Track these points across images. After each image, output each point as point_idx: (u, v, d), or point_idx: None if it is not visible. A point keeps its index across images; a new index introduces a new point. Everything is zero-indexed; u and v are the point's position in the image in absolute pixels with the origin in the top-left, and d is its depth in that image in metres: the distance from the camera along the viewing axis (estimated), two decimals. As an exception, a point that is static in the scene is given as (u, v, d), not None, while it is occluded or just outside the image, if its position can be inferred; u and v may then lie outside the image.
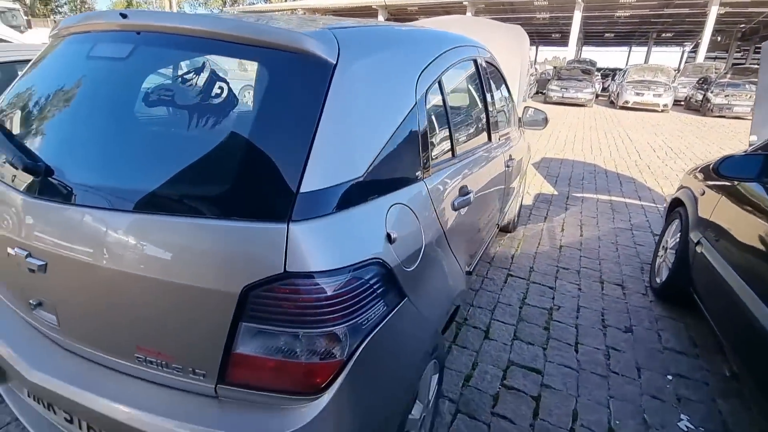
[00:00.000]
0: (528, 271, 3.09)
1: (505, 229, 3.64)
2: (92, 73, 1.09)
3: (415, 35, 1.37)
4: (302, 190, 0.82)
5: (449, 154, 1.45)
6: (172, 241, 0.83)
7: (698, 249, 2.24)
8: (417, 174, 1.16)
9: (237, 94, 0.97)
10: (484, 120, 1.97)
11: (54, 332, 1.02)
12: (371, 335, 0.89)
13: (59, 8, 34.81)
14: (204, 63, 0.99)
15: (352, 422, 0.86)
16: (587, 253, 3.44)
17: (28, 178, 0.95)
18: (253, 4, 36.81)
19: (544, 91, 16.89)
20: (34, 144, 1.03)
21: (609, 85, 20.10)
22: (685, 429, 1.81)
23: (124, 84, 1.04)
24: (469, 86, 1.91)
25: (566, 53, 22.90)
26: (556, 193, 4.99)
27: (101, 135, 1.00)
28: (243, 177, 0.83)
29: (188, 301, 0.83)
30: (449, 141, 1.45)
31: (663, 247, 2.89)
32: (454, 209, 1.35)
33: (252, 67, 0.94)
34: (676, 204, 2.82)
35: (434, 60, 1.35)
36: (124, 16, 1.00)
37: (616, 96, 16.28)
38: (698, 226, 2.33)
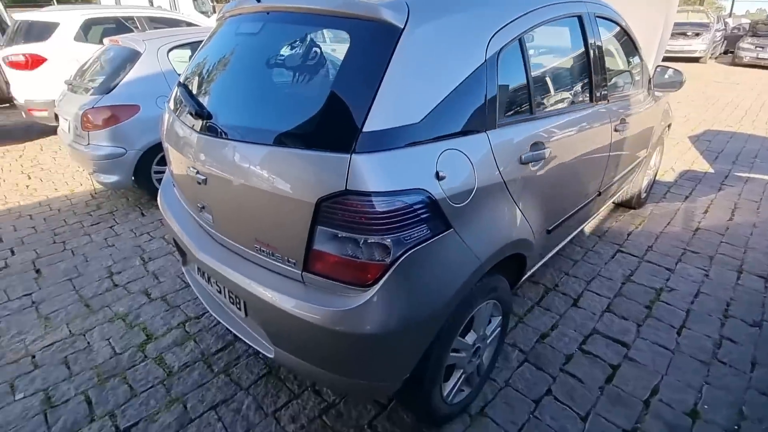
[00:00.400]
0: (644, 249, 2.83)
1: (626, 204, 3.33)
2: (238, 45, 1.50)
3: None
4: (364, 129, 1.06)
5: (526, 112, 1.51)
6: (276, 164, 1.17)
7: None
8: (479, 126, 1.29)
9: (326, 57, 1.24)
10: (585, 80, 1.89)
11: (210, 227, 1.51)
12: (413, 249, 1.10)
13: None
14: (306, 33, 1.29)
15: (390, 312, 1.11)
16: (731, 239, 2.95)
17: (198, 121, 1.41)
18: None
19: (733, 50, 13.60)
20: (202, 97, 1.49)
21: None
22: (796, 432, 1.59)
23: (256, 53, 1.42)
24: (566, 45, 1.85)
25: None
26: (711, 171, 4.24)
27: (239, 91, 1.40)
28: (324, 118, 1.11)
29: (285, 208, 1.17)
30: (527, 99, 1.50)
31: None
32: (522, 163, 1.43)
33: (342, 34, 1.20)
34: None
35: (514, 20, 1.41)
36: (258, 0, 1.37)
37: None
38: None
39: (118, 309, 2.33)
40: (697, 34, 13.99)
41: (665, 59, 13.94)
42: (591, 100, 1.93)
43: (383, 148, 1.08)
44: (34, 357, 2.00)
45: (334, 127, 1.10)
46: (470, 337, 1.51)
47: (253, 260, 1.36)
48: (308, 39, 1.30)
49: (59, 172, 4.56)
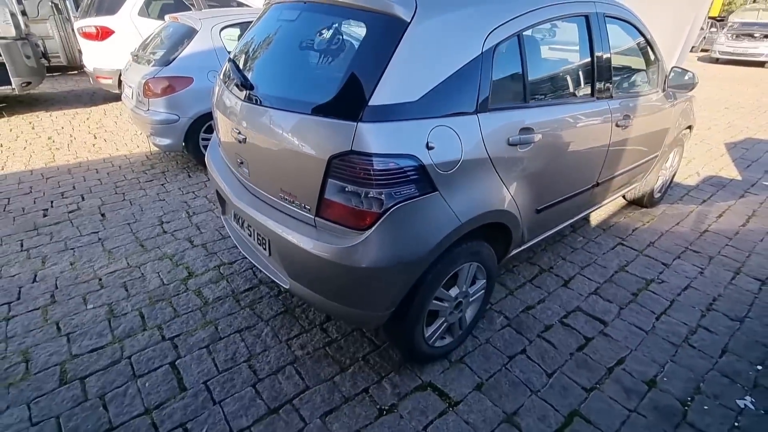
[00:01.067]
0: (646, 245, 2.96)
1: (638, 202, 3.43)
2: (278, 29, 1.80)
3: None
4: (370, 104, 1.33)
5: (519, 100, 1.72)
6: (299, 127, 1.47)
7: None
8: (470, 108, 1.53)
9: (346, 43, 1.51)
10: (587, 76, 2.06)
11: (246, 179, 1.84)
12: (401, 203, 1.37)
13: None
14: (333, 22, 1.57)
15: (380, 250, 1.38)
16: (738, 243, 3.01)
17: (243, 91, 1.73)
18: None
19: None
20: (247, 72, 1.81)
21: None
22: (742, 406, 1.76)
23: (292, 36, 1.71)
24: (570, 42, 2.02)
25: None
26: (739, 178, 4.20)
27: (276, 67, 1.71)
28: (339, 93, 1.39)
29: (305, 163, 1.47)
30: (522, 89, 1.72)
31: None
32: (510, 144, 1.65)
33: (360, 24, 1.47)
34: None
35: (514, 18, 1.62)
36: (298, -7, 1.67)
37: None
38: None
39: (167, 250, 2.75)
40: (766, 36, 13.12)
41: (726, 62, 13.18)
42: (592, 95, 2.10)
43: (384, 119, 1.35)
44: (100, 279, 2.44)
45: (346, 101, 1.38)
46: (453, 291, 1.78)
47: (278, 207, 1.68)
48: (333, 27, 1.57)
49: (120, 134, 5.12)
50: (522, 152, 1.73)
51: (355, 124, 1.33)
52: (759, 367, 1.96)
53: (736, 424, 1.70)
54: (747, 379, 1.89)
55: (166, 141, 3.87)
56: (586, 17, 2.01)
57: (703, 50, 16.60)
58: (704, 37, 16.90)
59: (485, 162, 1.59)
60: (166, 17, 4.56)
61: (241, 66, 1.88)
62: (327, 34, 1.58)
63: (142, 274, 2.51)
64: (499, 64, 1.61)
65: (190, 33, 3.98)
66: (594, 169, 2.28)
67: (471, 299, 1.90)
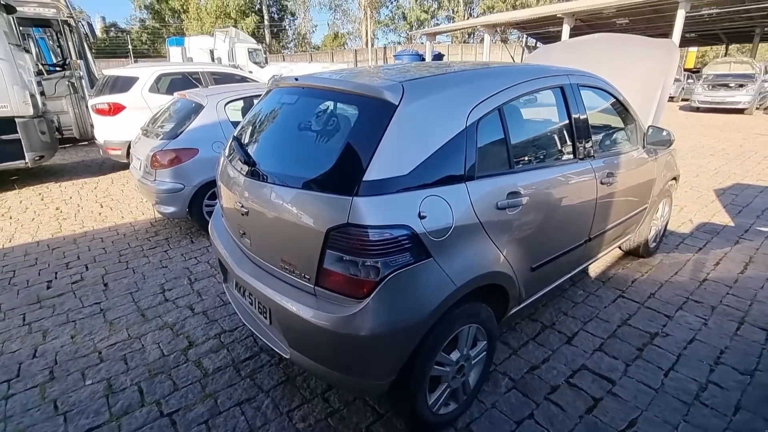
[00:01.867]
0: (646, 296, 2.96)
1: (634, 253, 3.47)
2: (279, 110, 1.96)
3: (479, 76, 1.83)
4: (364, 179, 1.43)
5: (504, 166, 1.84)
6: (299, 202, 1.56)
7: None
8: (459, 178, 1.63)
9: (341, 124, 1.65)
10: (567, 140, 2.20)
11: (249, 250, 1.90)
12: (397, 271, 1.42)
13: (288, 44, 44.38)
14: (328, 106, 1.72)
15: (378, 318, 1.41)
16: (738, 291, 3.01)
17: (245, 167, 1.85)
18: (438, 24, 39.63)
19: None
20: (250, 148, 1.94)
21: None
22: (765, 471, 1.68)
23: (292, 117, 1.86)
24: (548, 110, 2.18)
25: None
26: (731, 224, 4.27)
27: (276, 145, 1.85)
28: (335, 169, 1.50)
29: (303, 234, 1.54)
30: (506, 156, 1.84)
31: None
32: (499, 208, 1.74)
33: (353, 108, 1.61)
34: None
35: (494, 95, 1.77)
36: (296, 79, 1.84)
37: None
38: None
39: (168, 319, 2.75)
40: (741, 85, 13.85)
41: (707, 110, 13.82)
42: (574, 156, 2.23)
43: (377, 193, 1.44)
44: (100, 353, 2.43)
45: (342, 176, 1.48)
46: (454, 355, 1.77)
47: (279, 276, 1.72)
48: (329, 110, 1.72)
49: (126, 203, 5.28)
50: (512, 215, 1.81)
51: (351, 198, 1.42)
52: (776, 425, 1.90)
53: (760, 490, 1.62)
54: (765, 439, 1.83)
55: (171, 209, 4.00)
56: (561, 88, 2.19)
57: (683, 99, 17.46)
58: (683, 88, 17.87)
59: (476, 226, 1.66)
60: (175, 94, 4.89)
61: (244, 143, 2.02)
62: (324, 116, 1.73)
63: (143, 345, 2.49)
64: (483, 135, 1.73)
65: (197, 108, 4.25)
66: (584, 224, 2.36)
67: (473, 362, 1.89)
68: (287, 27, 44.68)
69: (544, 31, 22.19)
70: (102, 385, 2.18)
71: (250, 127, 2.11)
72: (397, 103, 1.52)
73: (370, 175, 1.44)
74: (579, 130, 2.24)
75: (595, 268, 3.36)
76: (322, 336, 1.51)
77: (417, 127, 1.55)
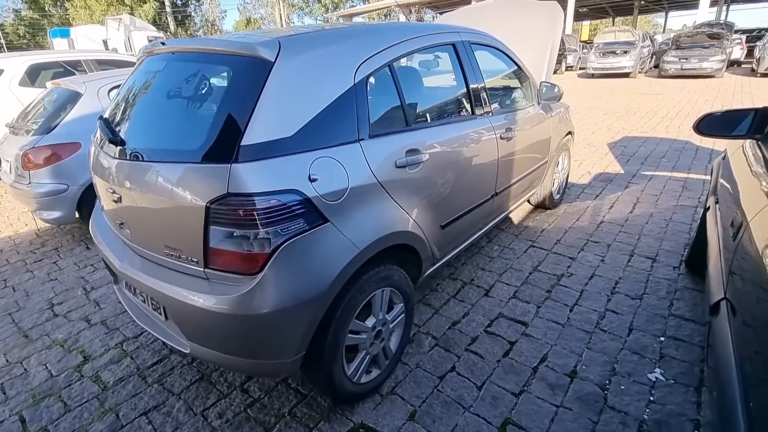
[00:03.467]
0: (553, 243, 3.17)
1: (542, 205, 3.70)
2: (147, 81, 1.73)
3: (365, 32, 1.76)
4: (242, 144, 1.30)
5: (400, 124, 1.81)
6: (174, 177, 1.39)
7: (707, 214, 2.18)
8: (351, 137, 1.56)
9: (213, 87, 1.49)
10: (463, 97, 2.23)
11: (129, 241, 1.69)
12: (291, 240, 1.33)
13: (196, 32, 41.06)
14: (199, 68, 1.55)
15: (275, 293, 1.32)
16: (628, 229, 3.34)
17: (114, 148, 1.62)
18: (354, 5, 39.00)
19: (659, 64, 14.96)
20: (119, 127, 1.70)
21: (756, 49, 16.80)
22: (653, 380, 1.88)
23: (161, 87, 1.65)
24: (442, 68, 2.19)
25: (697, 17, 19.36)
26: (622, 171, 4.73)
27: (146, 119, 1.63)
28: (209, 137, 1.35)
29: (182, 214, 1.38)
30: (402, 114, 1.80)
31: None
32: (398, 167, 1.71)
33: (226, 68, 1.46)
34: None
35: (382, 50, 1.71)
36: (162, 44, 1.63)
37: (757, 62, 13.75)
38: (714, 190, 2.26)
39: (57, 336, 2.41)
40: (625, 52, 15.39)
41: (601, 76, 15.17)
42: (472, 113, 2.26)
43: (259, 157, 1.32)
44: (-33, 386, 2.06)
45: (217, 143, 1.34)
46: (370, 321, 1.73)
47: (166, 265, 1.55)
48: (200, 73, 1.55)
49: (3, 215, 4.55)
50: (413, 173, 1.78)
51: (229, 165, 1.29)
52: (662, 339, 2.13)
53: (651, 398, 1.80)
54: (653, 352, 2.04)
55: (55, 214, 3.50)
56: (453, 45, 2.20)
57: (581, 68, 19.03)
58: (580, 57, 19.44)
59: (375, 186, 1.61)
60: (48, 84, 4.26)
61: (113, 123, 1.77)
62: (195, 80, 1.54)
63: (25, 369, 2.16)
64: (375, 92, 1.67)
65: (74, 97, 3.73)
66: (489, 180, 2.43)
67: (392, 326, 1.87)
68: (193, 13, 41.13)
69: (455, 10, 22.80)
70: (-29, 422, 1.85)
71: (119, 104, 1.86)
72: (273, 60, 1.40)
73: (248, 138, 1.31)
74: (474, 88, 2.27)
75: (507, 224, 3.53)
76: (219, 321, 1.38)
77: (299, 86, 1.44)
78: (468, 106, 2.25)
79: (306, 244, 1.38)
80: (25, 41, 32.89)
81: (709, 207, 2.18)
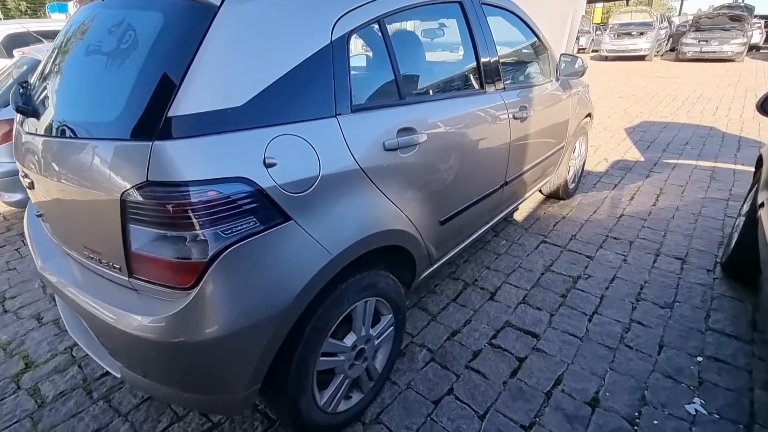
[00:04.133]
0: (568, 239, 2.83)
1: (555, 195, 3.34)
2: (71, 38, 1.36)
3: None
4: (170, 114, 0.95)
5: (392, 97, 1.45)
6: (83, 158, 1.05)
7: (761, 212, 1.83)
8: (326, 111, 1.21)
9: (139, 39, 1.14)
10: (471, 67, 1.85)
11: (51, 235, 1.37)
12: (237, 244, 1.00)
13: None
14: (123, 15, 1.19)
15: (218, 311, 0.99)
16: (652, 223, 2.98)
17: (27, 119, 1.28)
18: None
19: (676, 47, 14.27)
20: (34, 96, 1.35)
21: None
22: (693, 412, 1.55)
23: (84, 44, 1.29)
24: (445, 30, 1.82)
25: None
26: (642, 159, 4.34)
27: (63, 85, 1.27)
28: (128, 105, 1.00)
29: (97, 206, 1.05)
30: (394, 84, 1.44)
31: (739, 213, 2.38)
32: (387, 149, 1.36)
33: (156, 15, 1.10)
34: (760, 162, 2.30)
35: (369, 2, 1.35)
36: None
37: (779, 46, 13.08)
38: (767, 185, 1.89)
39: (1, 337, 2.12)
40: (642, 33, 14.68)
41: (615, 59, 14.55)
42: (481, 87, 1.89)
43: (194, 133, 0.97)
44: None
45: (137, 114, 0.99)
46: (350, 339, 1.41)
47: (89, 268, 1.22)
48: (125, 22, 1.18)
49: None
50: (406, 157, 1.43)
51: (150, 143, 0.94)
52: (699, 359, 1.80)
53: (689, 434, 1.48)
54: (691, 377, 1.71)
55: (17, 196, 3.17)
56: (461, 4, 1.81)
57: (593, 50, 18.28)
58: (593, 39, 18.66)
59: (356, 174, 1.26)
60: (15, 52, 3.89)
61: (32, 88, 1.42)
62: (118, 32, 1.18)
63: (-44, 378, 1.87)
64: (359, 55, 1.31)
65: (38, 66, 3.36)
66: (499, 167, 2.07)
67: (378, 342, 1.55)
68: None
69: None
70: None
71: (46, 66, 1.50)
72: (218, 4, 1.04)
73: (179, 108, 0.96)
74: (485, 57, 1.89)
75: (517, 216, 3.18)
76: (145, 346, 1.06)
77: (253, 40, 1.08)
78: (476, 79, 1.88)
79: (259, 250, 1.04)
80: (26, 16, 32.17)
81: (763, 204, 1.82)
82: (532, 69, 2.50)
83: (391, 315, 1.58)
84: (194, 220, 0.95)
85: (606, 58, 15.13)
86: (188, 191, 0.94)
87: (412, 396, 1.67)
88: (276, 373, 1.21)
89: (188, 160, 0.95)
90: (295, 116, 1.14)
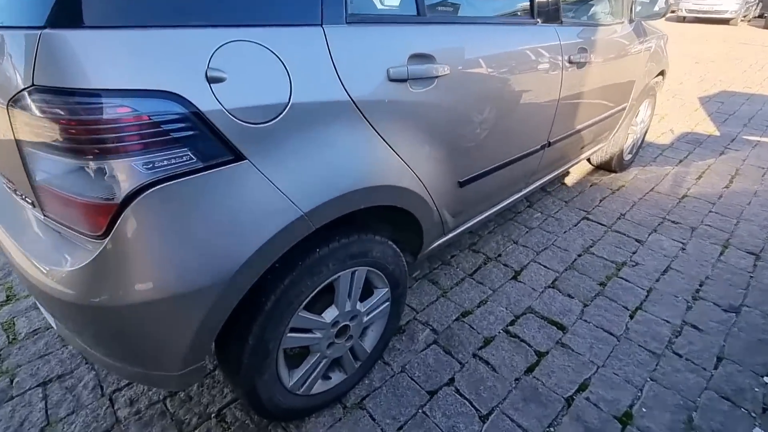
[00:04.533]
0: (615, 217, 2.42)
1: (606, 167, 2.88)
2: None
3: None
4: (68, -9, 0.68)
5: (410, 10, 1.09)
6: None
7: None
8: (310, 16, 0.89)
9: None
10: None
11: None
12: (163, 184, 0.74)
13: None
14: None
15: (129, 272, 0.76)
16: (722, 209, 2.50)
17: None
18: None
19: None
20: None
21: None
22: (753, 449, 1.23)
23: None
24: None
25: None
26: (717, 134, 3.71)
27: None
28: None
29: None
30: (410, -9, 1.09)
31: None
32: (392, 80, 1.03)
33: None
34: None
35: None
36: None
37: None
38: None
39: (-9, 266, 2.05)
40: (729, -7, 12.80)
41: (693, 20, 12.88)
42: (532, 15, 1.48)
43: (102, 23, 0.69)
44: None
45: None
46: (329, 314, 1.16)
47: (18, 201, 1.01)
48: None
49: None
50: (418, 92, 1.10)
51: (39, 31, 0.67)
52: (766, 380, 1.44)
53: (745, 473, 1.17)
54: (753, 400, 1.37)
55: None
56: None
57: (671, 11, 16.26)
58: (669, -2, 16.55)
59: (344, 107, 0.95)
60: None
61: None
62: None
63: (-61, 303, 1.81)
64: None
65: None
66: (542, 123, 1.68)
67: (367, 319, 1.30)
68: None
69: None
70: None
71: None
72: None
73: (83, -17, 0.67)
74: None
75: (556, 185, 2.77)
76: (57, 301, 0.85)
77: None
78: (527, 5, 1.47)
79: (194, 196, 0.78)
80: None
81: None
82: (600, 4, 2.01)
83: (387, 289, 1.32)
84: (96, 146, 0.69)
85: (684, 19, 13.40)
86: (87, 103, 0.67)
87: (405, 382, 1.44)
88: (229, 350, 0.99)
89: (90, 59, 0.68)
90: (261, 17, 0.83)
